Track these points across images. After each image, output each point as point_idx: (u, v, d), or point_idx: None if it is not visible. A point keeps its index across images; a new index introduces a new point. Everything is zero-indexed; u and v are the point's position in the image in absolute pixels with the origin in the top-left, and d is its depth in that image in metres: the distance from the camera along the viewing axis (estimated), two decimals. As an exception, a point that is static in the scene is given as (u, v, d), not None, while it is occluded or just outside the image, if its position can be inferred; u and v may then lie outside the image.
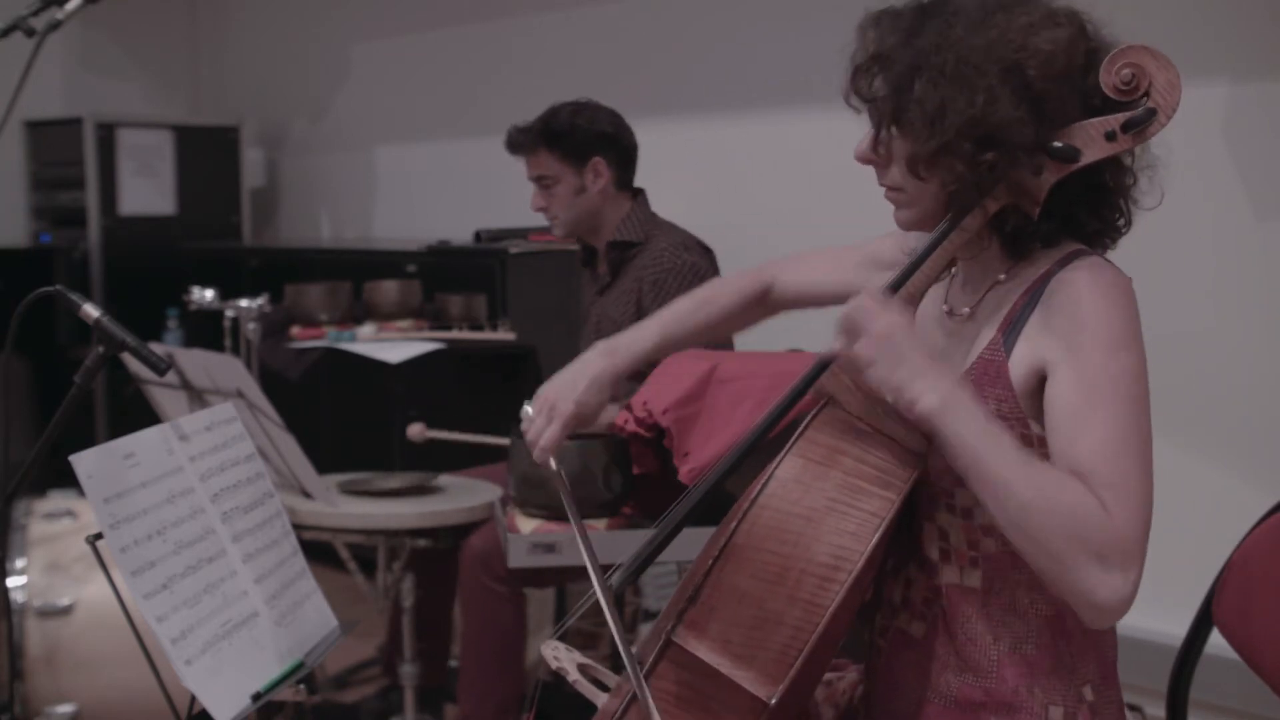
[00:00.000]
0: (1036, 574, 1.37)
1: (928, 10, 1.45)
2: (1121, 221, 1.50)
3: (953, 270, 1.55)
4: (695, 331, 1.83)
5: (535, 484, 2.55)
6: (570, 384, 1.75)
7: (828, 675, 1.66)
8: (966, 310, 1.52)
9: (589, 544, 1.58)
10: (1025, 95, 1.38)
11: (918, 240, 1.57)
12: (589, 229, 3.13)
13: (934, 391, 1.36)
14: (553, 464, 1.70)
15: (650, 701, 1.39)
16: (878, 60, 1.45)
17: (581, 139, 3.05)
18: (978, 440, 1.35)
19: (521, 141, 3.10)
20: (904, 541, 1.52)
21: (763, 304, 1.86)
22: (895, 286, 1.47)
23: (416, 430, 3.21)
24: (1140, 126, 1.40)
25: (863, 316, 1.40)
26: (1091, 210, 1.47)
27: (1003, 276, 1.49)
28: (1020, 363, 1.42)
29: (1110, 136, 1.41)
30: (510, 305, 3.97)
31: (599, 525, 2.53)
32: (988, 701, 1.47)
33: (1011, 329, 1.44)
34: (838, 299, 1.71)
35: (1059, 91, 1.39)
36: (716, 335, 1.90)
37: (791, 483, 1.40)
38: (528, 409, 1.76)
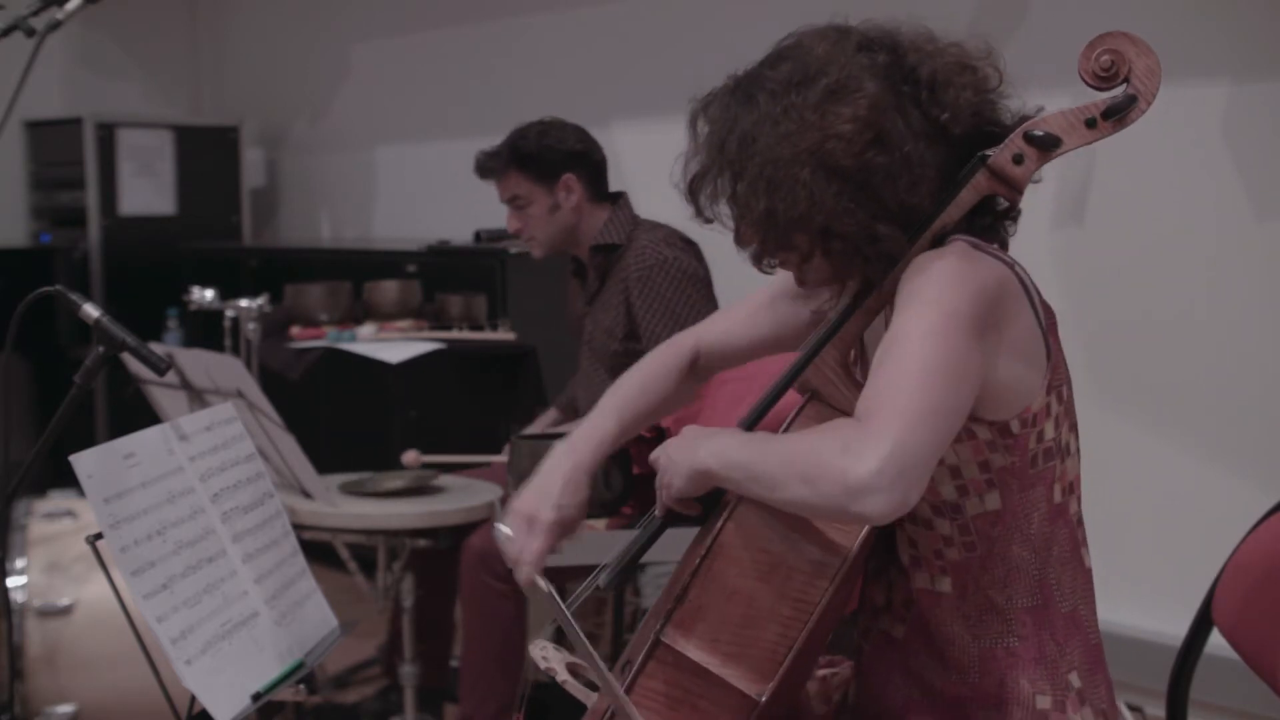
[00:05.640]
0: (819, 517, 1.36)
1: (741, 92, 1.45)
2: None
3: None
4: (644, 415, 1.77)
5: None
6: (544, 492, 1.63)
7: (822, 671, 1.66)
8: None
9: (595, 657, 1.46)
10: (845, 179, 1.38)
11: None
12: (569, 244, 3.13)
13: (699, 450, 1.41)
14: (540, 584, 1.53)
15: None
16: (710, 170, 1.46)
17: (552, 158, 3.05)
18: (735, 452, 1.37)
19: (492, 166, 3.09)
20: (885, 543, 1.52)
21: (694, 374, 1.81)
22: (807, 358, 1.48)
23: (411, 457, 3.21)
24: (1121, 113, 1.40)
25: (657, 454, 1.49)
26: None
27: None
28: None
29: (1091, 124, 1.41)
30: (510, 305, 3.97)
31: (599, 525, 2.53)
32: (974, 696, 1.47)
33: None
34: (765, 347, 1.73)
35: (881, 157, 1.38)
36: (662, 415, 1.84)
37: None
38: (503, 528, 1.61)
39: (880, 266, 1.43)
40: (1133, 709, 1.60)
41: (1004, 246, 1.50)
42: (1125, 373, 3.17)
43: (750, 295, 1.78)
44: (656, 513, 1.50)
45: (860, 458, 1.24)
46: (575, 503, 1.63)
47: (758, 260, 1.49)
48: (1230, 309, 3.05)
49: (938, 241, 1.43)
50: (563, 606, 1.45)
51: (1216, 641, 1.82)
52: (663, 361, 1.80)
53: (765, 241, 1.45)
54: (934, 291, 1.35)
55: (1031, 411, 1.42)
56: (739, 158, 1.42)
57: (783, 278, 1.74)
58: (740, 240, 1.50)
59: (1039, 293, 1.45)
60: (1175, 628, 1.92)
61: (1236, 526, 1.85)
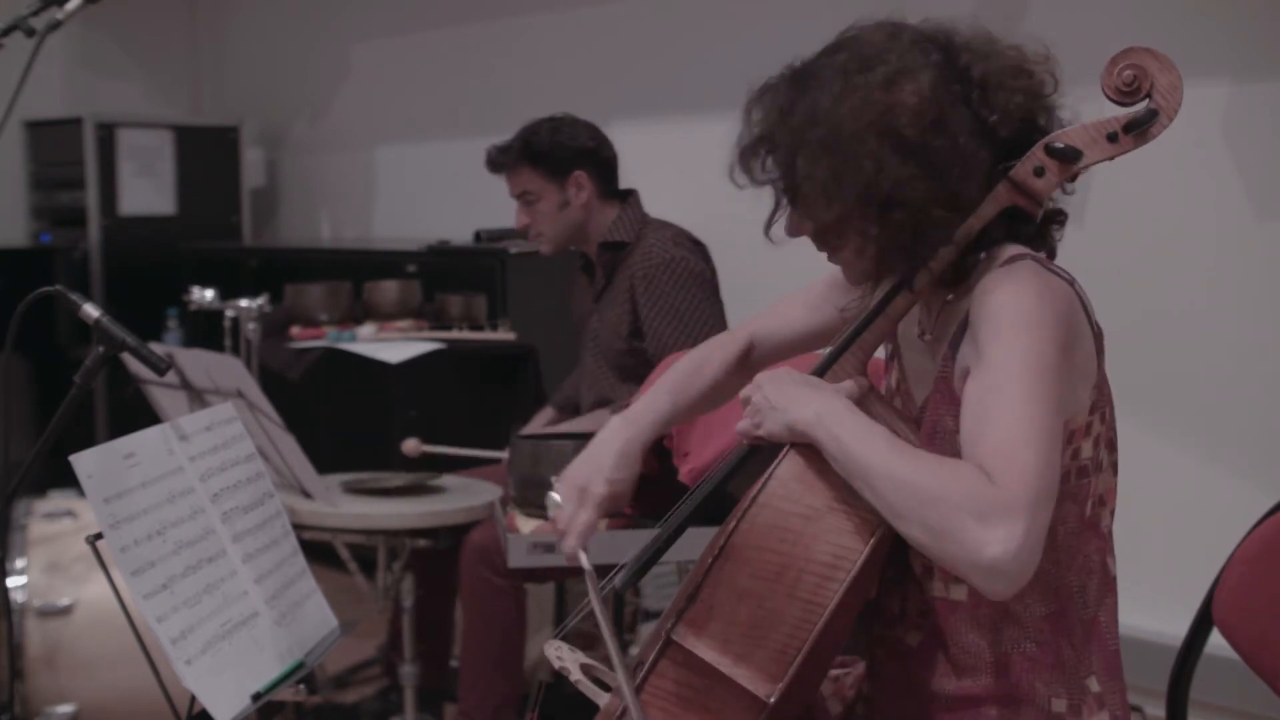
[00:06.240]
0: (934, 561, 1.33)
1: (799, 80, 1.45)
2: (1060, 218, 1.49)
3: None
4: (697, 400, 1.77)
5: (535, 484, 2.54)
6: (598, 464, 1.64)
7: (835, 671, 1.66)
8: (930, 336, 1.52)
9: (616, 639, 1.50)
10: (909, 152, 1.37)
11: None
12: (577, 241, 3.13)
13: (808, 407, 1.38)
14: (583, 559, 1.57)
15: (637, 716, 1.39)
16: (762, 142, 1.45)
17: (563, 155, 3.05)
18: (851, 438, 1.34)
19: (503, 161, 3.10)
20: (901, 552, 1.52)
21: (746, 364, 1.80)
22: (829, 361, 1.48)
23: (412, 445, 3.20)
24: (1142, 128, 1.40)
25: (751, 392, 1.47)
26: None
27: (950, 296, 1.48)
28: (960, 373, 1.42)
29: (1112, 138, 1.41)
30: (510, 305, 3.97)
31: (599, 526, 2.52)
32: (988, 696, 1.46)
33: (955, 343, 1.44)
34: (821, 338, 1.71)
35: (939, 140, 1.38)
36: (713, 403, 1.82)
37: (792, 481, 1.40)
38: (554, 496, 1.63)
39: (925, 252, 1.42)
40: (1133, 709, 1.60)
41: (1051, 255, 1.50)
42: (1125, 373, 3.16)
43: (806, 286, 1.78)
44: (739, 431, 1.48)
45: (999, 539, 1.23)
46: (627, 477, 1.65)
47: (820, 236, 1.47)
48: (1230, 309, 3.05)
49: (966, 250, 1.43)
50: (597, 584, 1.48)
51: (1216, 641, 1.82)
52: (718, 351, 1.80)
53: (824, 213, 1.42)
54: (1023, 321, 1.34)
55: (1070, 429, 1.42)
56: (802, 126, 1.41)
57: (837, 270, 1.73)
58: (789, 225, 1.49)
59: (1092, 311, 1.45)
60: (1175, 628, 1.92)
61: (1236, 526, 1.85)
